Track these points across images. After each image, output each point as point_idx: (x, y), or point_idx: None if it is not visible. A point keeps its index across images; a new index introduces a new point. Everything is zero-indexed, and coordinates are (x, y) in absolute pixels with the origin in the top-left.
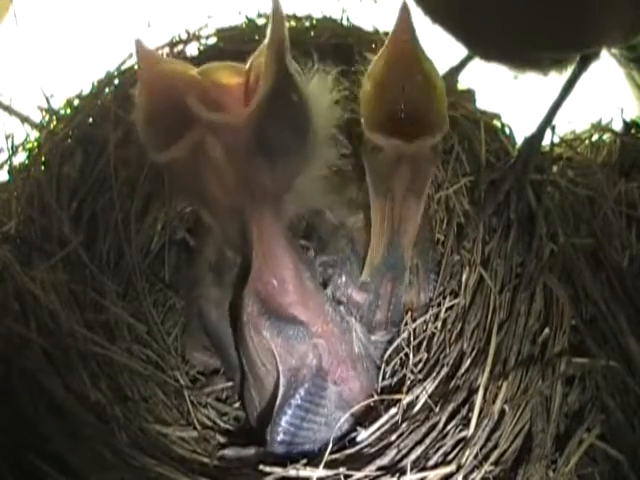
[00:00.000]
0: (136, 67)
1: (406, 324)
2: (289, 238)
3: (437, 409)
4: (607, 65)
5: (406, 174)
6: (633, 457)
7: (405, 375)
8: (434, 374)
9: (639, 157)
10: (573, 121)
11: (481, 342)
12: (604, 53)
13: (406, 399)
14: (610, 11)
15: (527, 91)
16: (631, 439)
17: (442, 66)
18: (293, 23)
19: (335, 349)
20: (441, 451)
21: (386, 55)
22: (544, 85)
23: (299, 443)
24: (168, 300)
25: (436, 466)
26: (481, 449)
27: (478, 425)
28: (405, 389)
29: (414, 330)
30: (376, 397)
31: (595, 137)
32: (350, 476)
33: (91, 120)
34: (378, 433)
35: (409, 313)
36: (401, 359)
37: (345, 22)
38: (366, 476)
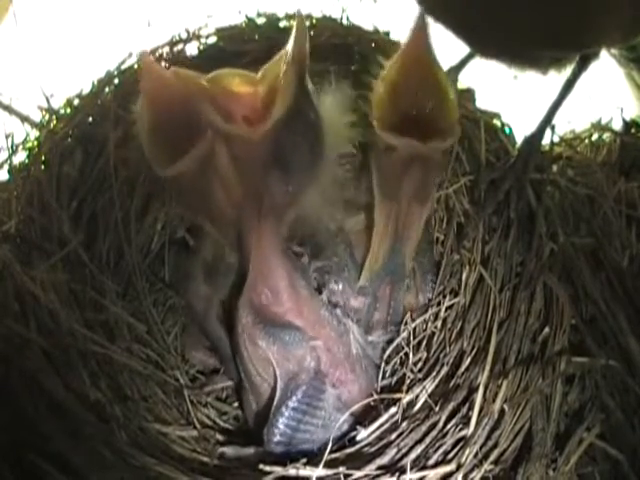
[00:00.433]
0: (136, 67)
1: (406, 323)
2: (284, 248)
3: (437, 408)
4: (607, 65)
5: (416, 176)
6: (633, 456)
7: (405, 374)
8: (434, 373)
9: (639, 156)
10: (573, 120)
11: (481, 341)
12: (604, 53)
13: (406, 398)
14: (610, 12)
15: (527, 91)
16: (631, 438)
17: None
18: (293, 22)
19: (333, 351)
20: (441, 450)
21: (401, 61)
22: (544, 85)
23: (297, 444)
24: (168, 300)
25: (436, 465)
26: (481, 448)
27: (478, 424)
28: (405, 388)
29: (414, 329)
30: (376, 396)
31: (595, 136)
32: (350, 475)
33: (91, 119)
34: (378, 432)
35: (409, 313)
36: (401, 358)
37: (345, 21)
38: (366, 475)
